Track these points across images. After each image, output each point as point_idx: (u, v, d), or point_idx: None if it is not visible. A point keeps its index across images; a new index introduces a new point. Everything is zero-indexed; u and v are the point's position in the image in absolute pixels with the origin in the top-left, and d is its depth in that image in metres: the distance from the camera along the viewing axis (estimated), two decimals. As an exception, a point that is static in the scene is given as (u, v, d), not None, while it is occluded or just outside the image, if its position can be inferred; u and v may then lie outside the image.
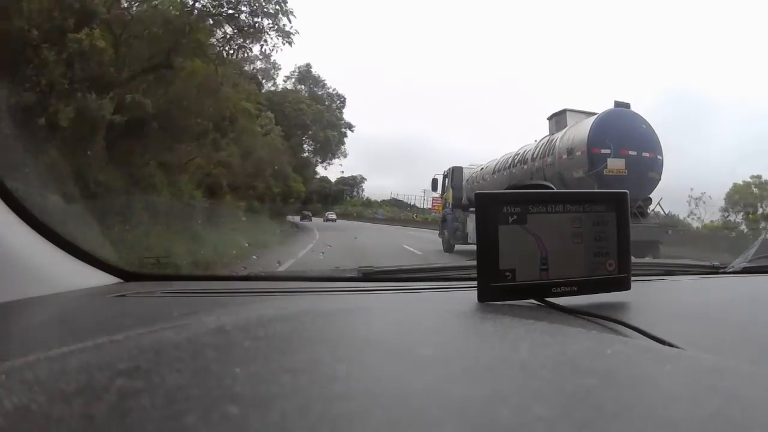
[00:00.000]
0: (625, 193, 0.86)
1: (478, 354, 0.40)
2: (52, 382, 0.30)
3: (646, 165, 8.28)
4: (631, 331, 0.65)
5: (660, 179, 8.56)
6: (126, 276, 1.10)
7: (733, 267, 1.27)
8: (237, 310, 0.82)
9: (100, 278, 1.06)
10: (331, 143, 23.22)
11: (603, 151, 8.09)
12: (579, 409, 0.29)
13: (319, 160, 24.55)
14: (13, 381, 0.31)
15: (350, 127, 24.92)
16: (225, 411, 0.26)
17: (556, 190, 0.90)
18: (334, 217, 31.49)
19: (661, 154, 8.55)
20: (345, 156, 25.06)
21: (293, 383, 0.30)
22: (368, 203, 40.38)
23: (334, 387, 0.29)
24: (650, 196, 8.53)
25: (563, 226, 0.82)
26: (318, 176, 27.29)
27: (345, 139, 24.73)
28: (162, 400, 0.27)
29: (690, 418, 0.29)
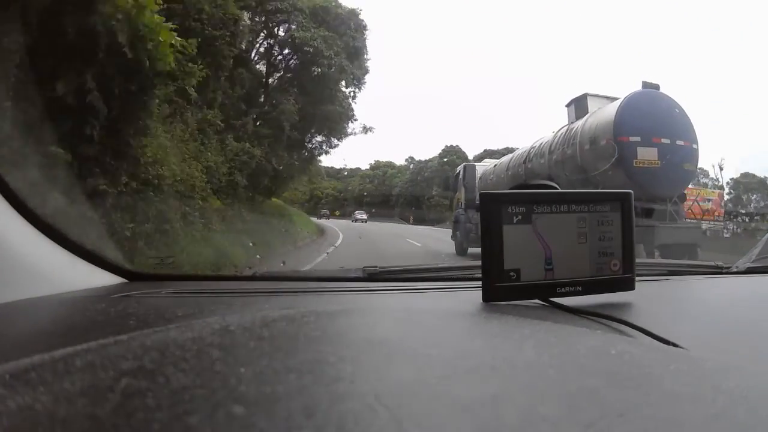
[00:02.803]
0: (630, 193, 0.86)
1: (483, 354, 0.39)
2: (56, 383, 0.30)
3: (681, 155, 7.07)
4: (636, 331, 0.65)
5: (696, 172, 7.50)
6: (130, 276, 1.11)
7: (737, 267, 1.26)
8: (242, 310, 0.82)
9: (105, 278, 1.06)
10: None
11: (632, 138, 6.88)
12: (584, 409, 0.29)
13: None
14: (17, 381, 0.31)
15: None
16: (230, 411, 0.26)
17: (560, 190, 0.90)
18: (365, 217, 28.43)
19: (697, 143, 7.32)
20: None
21: (298, 383, 0.30)
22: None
23: (339, 387, 0.29)
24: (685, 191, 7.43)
25: (568, 226, 0.81)
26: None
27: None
28: (167, 400, 0.27)
29: (694, 418, 0.29)
